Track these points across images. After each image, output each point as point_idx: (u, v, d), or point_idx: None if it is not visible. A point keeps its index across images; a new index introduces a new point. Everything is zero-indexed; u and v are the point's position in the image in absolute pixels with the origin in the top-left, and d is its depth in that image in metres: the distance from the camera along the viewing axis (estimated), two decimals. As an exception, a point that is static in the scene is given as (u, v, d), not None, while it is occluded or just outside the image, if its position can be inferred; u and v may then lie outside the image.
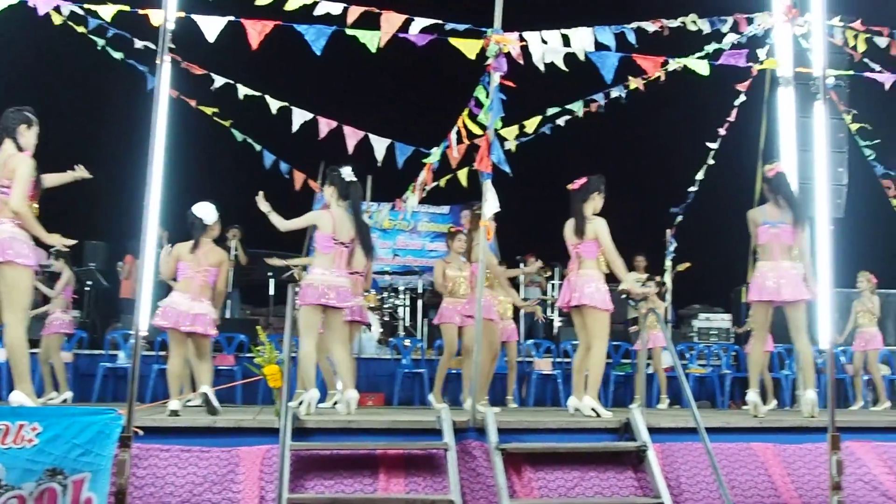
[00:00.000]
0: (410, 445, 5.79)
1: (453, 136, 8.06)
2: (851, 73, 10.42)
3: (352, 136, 7.94)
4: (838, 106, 12.14)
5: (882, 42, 9.46)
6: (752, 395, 7.54)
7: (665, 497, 5.57)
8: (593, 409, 7.02)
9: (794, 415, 8.07)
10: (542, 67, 7.03)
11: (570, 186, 7.48)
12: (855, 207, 13.87)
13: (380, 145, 8.00)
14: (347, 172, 7.21)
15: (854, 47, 9.87)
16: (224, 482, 5.45)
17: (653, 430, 6.05)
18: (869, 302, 11.02)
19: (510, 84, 6.71)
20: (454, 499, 5.36)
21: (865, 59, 9.79)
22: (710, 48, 9.42)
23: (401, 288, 14.01)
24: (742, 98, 11.19)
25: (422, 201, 10.22)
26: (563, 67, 7.17)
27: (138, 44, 8.22)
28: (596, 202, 7.40)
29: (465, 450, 5.81)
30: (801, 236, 7.64)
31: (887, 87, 8.27)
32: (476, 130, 7.62)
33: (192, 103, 8.62)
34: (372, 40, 6.79)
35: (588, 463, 5.86)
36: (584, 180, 7.43)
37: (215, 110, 8.72)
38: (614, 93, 9.66)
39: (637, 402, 8.90)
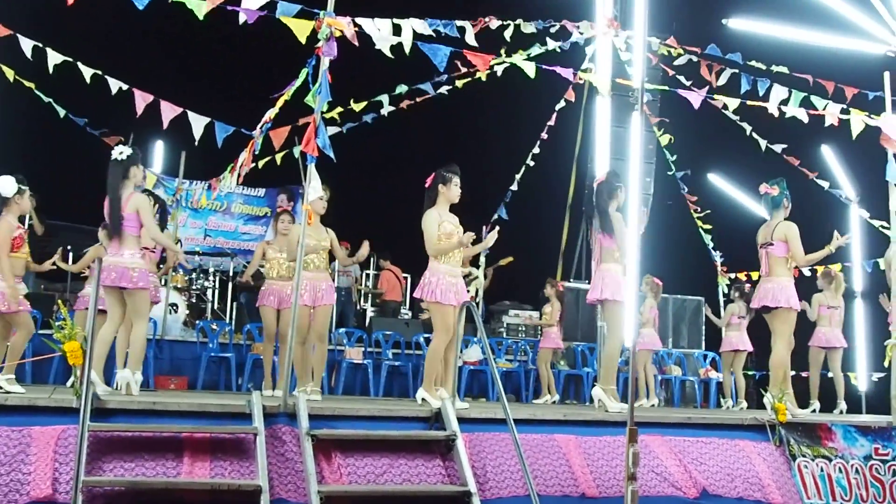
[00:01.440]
0: (218, 429, 5.64)
1: (269, 115, 7.90)
2: (666, 88, 10.87)
3: (169, 111, 7.62)
4: (650, 119, 12.68)
5: (693, 61, 9.90)
6: (597, 391, 7.86)
7: (471, 484, 5.66)
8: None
9: (594, 409, 8.37)
10: (387, 50, 6.97)
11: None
12: (655, 216, 14.51)
13: (198, 123, 7.73)
14: (115, 151, 7.16)
15: (670, 64, 10.29)
16: (13, 462, 5.16)
17: (462, 421, 6.14)
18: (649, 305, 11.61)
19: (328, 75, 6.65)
20: (261, 483, 5.26)
21: (679, 76, 10.23)
22: (536, 51, 9.64)
23: (211, 269, 13.66)
24: (562, 103, 11.50)
25: (238, 183, 10.00)
26: (390, 55, 7.15)
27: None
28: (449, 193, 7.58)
29: (274, 435, 5.71)
30: (619, 241, 7.92)
31: (696, 105, 8.67)
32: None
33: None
34: (199, 6, 6.54)
35: (398, 451, 5.88)
36: (433, 176, 7.60)
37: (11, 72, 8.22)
38: (441, 88, 9.75)
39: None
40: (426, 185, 7.60)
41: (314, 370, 8.10)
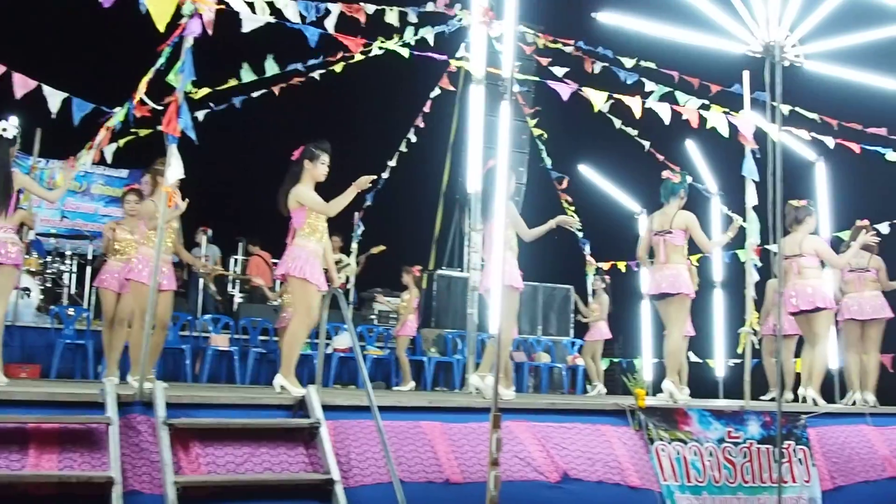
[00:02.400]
0: (67, 419, 5.40)
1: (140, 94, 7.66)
2: (537, 79, 11.00)
3: (21, 84, 7.27)
4: (523, 109, 12.82)
5: (565, 53, 10.06)
6: (475, 378, 7.86)
7: (334, 472, 5.61)
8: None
9: (462, 396, 8.45)
10: (250, 28, 6.84)
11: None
12: (528, 205, 14.72)
13: (55, 98, 7.42)
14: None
15: (543, 55, 10.43)
16: None
17: (327, 408, 6.06)
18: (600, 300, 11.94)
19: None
20: (113, 475, 5.08)
21: (551, 68, 10.37)
22: (411, 38, 9.63)
23: (68, 252, 13.19)
24: (437, 91, 11.52)
25: (99, 163, 9.69)
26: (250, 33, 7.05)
27: None
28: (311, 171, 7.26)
29: (129, 424, 5.51)
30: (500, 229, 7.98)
31: (565, 97, 8.81)
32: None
33: None
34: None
35: (260, 439, 5.77)
36: (301, 149, 7.30)
37: None
38: (314, 72, 9.66)
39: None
40: (292, 159, 7.26)
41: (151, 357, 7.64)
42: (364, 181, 7.07)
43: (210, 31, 6.45)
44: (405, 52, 7.90)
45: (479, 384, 7.67)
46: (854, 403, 9.03)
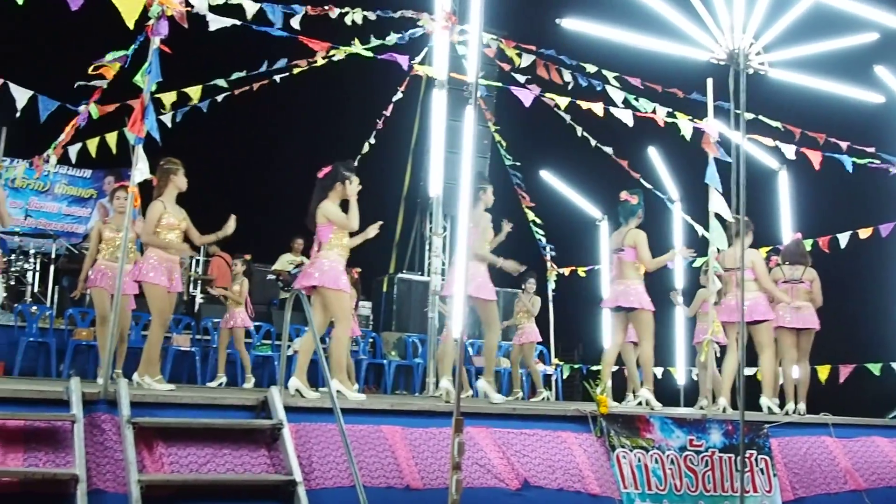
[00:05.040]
0: (32, 416, 5.37)
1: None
2: (500, 84, 11.04)
3: (-12, 82, 7.21)
4: (485, 114, 12.87)
5: (528, 59, 10.10)
6: (444, 382, 8.02)
7: (296, 474, 5.61)
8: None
9: (423, 400, 8.45)
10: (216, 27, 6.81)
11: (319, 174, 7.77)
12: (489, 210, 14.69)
13: (21, 95, 7.35)
14: None
15: (506, 60, 10.46)
16: None
17: (290, 410, 6.06)
18: (528, 302, 11.90)
19: (167, 49, 6.45)
20: (78, 473, 5.05)
21: (513, 73, 10.41)
22: (374, 42, 9.64)
23: (31, 251, 13.05)
24: (399, 95, 11.53)
25: (64, 162, 9.59)
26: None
27: None
28: (339, 191, 7.68)
29: (94, 423, 5.49)
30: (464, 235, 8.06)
31: (527, 104, 8.89)
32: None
33: None
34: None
35: (223, 440, 5.76)
36: (328, 169, 7.70)
37: None
38: (277, 76, 9.65)
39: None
40: (319, 177, 7.69)
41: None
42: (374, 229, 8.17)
43: (185, 25, 6.44)
44: (368, 55, 7.91)
45: (486, 388, 8.13)
46: (786, 413, 9.03)
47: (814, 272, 9.42)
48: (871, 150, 10.03)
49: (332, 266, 7.50)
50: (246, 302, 10.85)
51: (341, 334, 7.56)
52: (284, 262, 13.19)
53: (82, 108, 8.00)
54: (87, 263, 8.55)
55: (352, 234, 7.82)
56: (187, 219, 7.77)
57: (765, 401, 8.86)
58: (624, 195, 9.00)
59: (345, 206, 7.65)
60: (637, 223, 8.95)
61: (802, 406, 9.24)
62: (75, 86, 7.40)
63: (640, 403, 8.67)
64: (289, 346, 9.54)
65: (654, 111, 9.10)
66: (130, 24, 6.21)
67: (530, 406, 8.08)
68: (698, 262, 9.58)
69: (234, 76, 9.46)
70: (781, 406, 9.02)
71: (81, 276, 8.70)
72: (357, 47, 9.02)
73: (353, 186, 7.67)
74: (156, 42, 6.39)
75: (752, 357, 9.71)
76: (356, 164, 10.35)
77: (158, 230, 7.59)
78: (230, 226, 7.86)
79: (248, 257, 11.08)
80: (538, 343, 12.26)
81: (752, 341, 9.06)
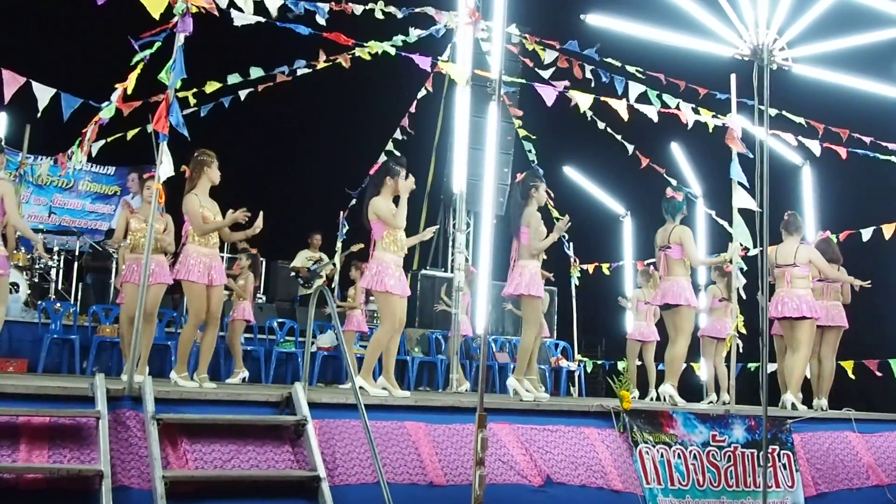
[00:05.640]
0: (58, 413, 5.41)
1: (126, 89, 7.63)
2: (523, 81, 11.02)
3: (11, 81, 7.21)
4: (509, 110, 12.86)
5: (552, 56, 10.08)
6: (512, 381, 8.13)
7: (320, 469, 5.63)
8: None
9: (447, 395, 8.46)
10: (241, 23, 6.84)
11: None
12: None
13: (43, 94, 7.38)
14: None
15: (530, 57, 10.45)
16: None
17: (313, 406, 6.08)
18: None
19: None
20: (103, 469, 5.08)
21: (537, 70, 10.39)
22: (398, 39, 9.64)
23: (55, 248, 13.14)
24: (424, 92, 11.53)
25: (87, 160, 9.64)
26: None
27: None
28: (389, 186, 7.76)
29: (118, 419, 5.53)
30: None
31: (549, 102, 8.85)
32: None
33: None
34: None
35: (247, 436, 5.78)
36: (378, 165, 7.93)
37: None
38: (301, 70, 9.67)
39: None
40: (370, 174, 7.87)
41: (203, 355, 7.82)
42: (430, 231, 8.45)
43: (217, 13, 6.46)
44: (392, 52, 7.92)
45: (515, 386, 8.00)
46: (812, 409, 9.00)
47: (807, 250, 9.30)
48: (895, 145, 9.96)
49: (380, 268, 7.58)
50: (254, 294, 10.88)
51: (381, 335, 7.66)
52: (303, 258, 13.21)
53: (105, 104, 8.03)
54: (115, 240, 8.58)
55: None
56: (220, 213, 7.68)
57: (789, 397, 8.81)
58: (669, 192, 8.99)
59: (397, 202, 7.70)
60: (681, 219, 8.95)
61: (825, 402, 9.22)
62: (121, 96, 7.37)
63: (659, 399, 8.59)
64: (312, 343, 9.57)
65: (677, 107, 9.05)
66: (156, 15, 6.25)
67: (553, 402, 8.07)
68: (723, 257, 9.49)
69: (255, 75, 9.47)
70: (808, 403, 8.99)
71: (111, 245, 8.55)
72: (380, 45, 9.02)
73: (405, 182, 7.70)
74: (180, 39, 6.42)
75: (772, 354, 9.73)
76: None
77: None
78: (258, 224, 7.75)
79: (253, 251, 11.05)
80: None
81: (793, 337, 9.03)
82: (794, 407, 8.64)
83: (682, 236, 8.77)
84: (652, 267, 12.17)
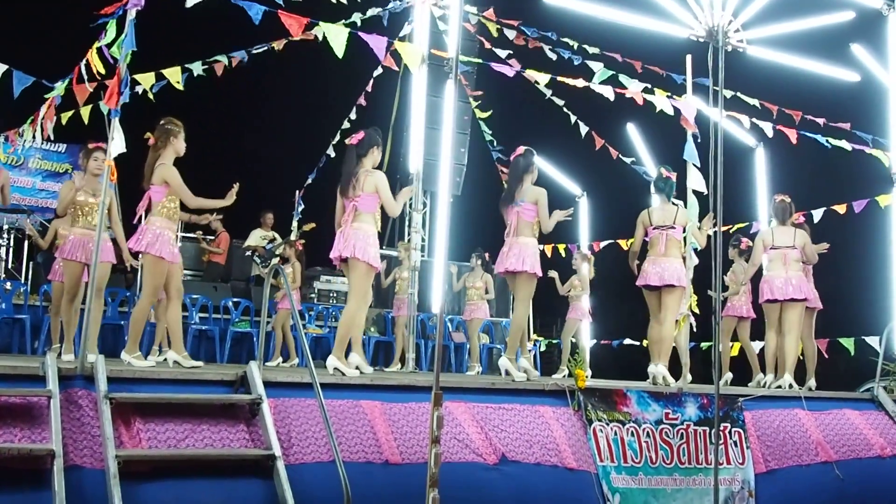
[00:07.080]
0: (7, 392, 5.34)
1: (82, 69, 7.51)
2: (480, 61, 11.02)
3: (-38, 58, 7.08)
4: (466, 90, 12.84)
5: (511, 34, 10.08)
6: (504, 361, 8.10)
7: (276, 448, 5.62)
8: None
9: (402, 374, 8.47)
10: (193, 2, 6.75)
11: (348, 141, 7.61)
12: (469, 187, 14.73)
13: (-6, 71, 7.25)
14: None
15: (487, 36, 10.43)
16: None
17: (269, 385, 6.06)
18: (479, 280, 11.91)
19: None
20: (55, 448, 5.03)
21: (494, 49, 10.38)
22: (356, 17, 9.58)
23: (4, 227, 12.95)
24: (379, 70, 11.47)
25: (43, 139, 9.51)
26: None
27: None
28: (375, 157, 7.62)
29: (70, 399, 5.47)
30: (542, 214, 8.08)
31: (510, 74, 8.83)
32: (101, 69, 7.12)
33: None
34: None
35: (201, 415, 5.75)
36: (361, 135, 7.55)
37: None
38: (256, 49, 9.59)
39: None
40: (351, 143, 7.57)
41: (175, 332, 7.48)
42: None
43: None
44: (344, 34, 7.83)
45: (508, 366, 7.98)
46: (779, 387, 9.05)
47: (804, 234, 9.34)
48: (847, 126, 10.07)
49: (364, 237, 7.30)
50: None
51: (355, 310, 7.40)
52: (257, 237, 13.14)
53: (58, 84, 7.90)
54: (59, 210, 8.09)
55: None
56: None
57: (787, 378, 8.85)
58: (665, 172, 8.74)
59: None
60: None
61: (812, 381, 9.39)
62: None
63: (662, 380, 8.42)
64: (268, 323, 9.52)
65: (645, 91, 9.06)
66: None
67: (509, 381, 8.11)
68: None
69: (212, 55, 9.37)
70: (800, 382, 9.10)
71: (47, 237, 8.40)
72: (336, 26, 8.96)
73: (406, 189, 7.85)
74: (132, 13, 6.34)
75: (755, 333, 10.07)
76: (336, 141, 10.34)
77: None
78: (232, 195, 7.47)
79: (300, 244, 11.59)
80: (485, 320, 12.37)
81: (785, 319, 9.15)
82: (791, 387, 8.71)
83: (687, 219, 8.61)
84: (589, 252, 12.34)
